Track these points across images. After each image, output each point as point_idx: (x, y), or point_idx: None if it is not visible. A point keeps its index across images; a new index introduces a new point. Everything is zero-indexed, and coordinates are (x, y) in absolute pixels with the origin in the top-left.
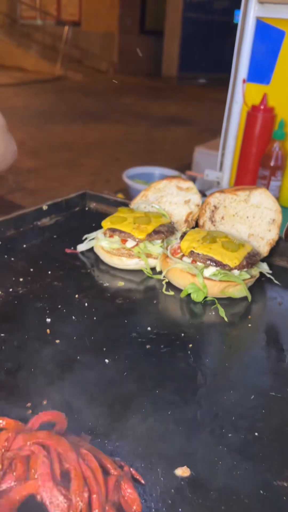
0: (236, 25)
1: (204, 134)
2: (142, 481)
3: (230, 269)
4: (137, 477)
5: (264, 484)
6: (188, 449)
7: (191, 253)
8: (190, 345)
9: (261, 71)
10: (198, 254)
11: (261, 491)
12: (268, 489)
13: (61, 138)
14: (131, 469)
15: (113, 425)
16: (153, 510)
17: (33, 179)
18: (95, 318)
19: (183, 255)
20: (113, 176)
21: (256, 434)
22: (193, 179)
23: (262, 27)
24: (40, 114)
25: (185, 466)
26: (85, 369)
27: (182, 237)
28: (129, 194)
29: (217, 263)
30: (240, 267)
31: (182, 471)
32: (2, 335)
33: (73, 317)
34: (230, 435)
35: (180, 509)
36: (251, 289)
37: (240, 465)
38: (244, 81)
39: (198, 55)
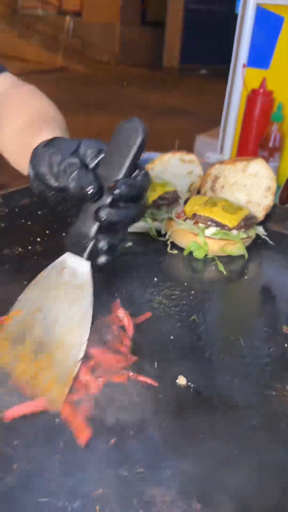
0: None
1: (205, 125)
2: (155, 383)
3: (229, 229)
4: (149, 380)
5: (256, 394)
6: (190, 368)
7: (194, 215)
8: (192, 292)
9: (260, 56)
10: (200, 216)
11: (253, 398)
12: (259, 397)
13: None
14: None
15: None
16: (163, 410)
17: None
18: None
19: (186, 218)
20: None
21: (248, 358)
22: None
23: (262, 13)
24: None
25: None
26: (98, 309)
27: (185, 202)
28: None
29: (217, 224)
30: (238, 228)
31: (181, 380)
32: (25, 282)
33: None
34: (226, 359)
35: (185, 410)
36: (248, 249)
37: (235, 381)
38: (244, 66)
39: (200, 46)
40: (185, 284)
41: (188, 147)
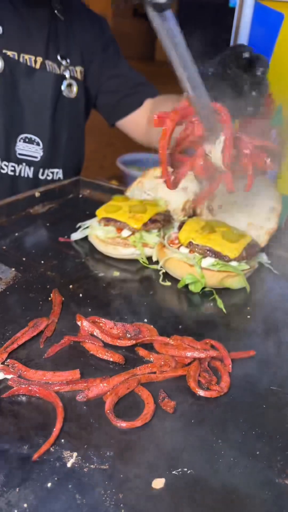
0: (233, 9)
1: None
2: None
3: (229, 260)
4: None
5: (263, 483)
6: (185, 451)
7: (190, 243)
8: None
9: None
10: (197, 245)
11: (260, 488)
12: (271, 487)
13: None
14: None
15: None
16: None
17: None
18: (90, 309)
19: (180, 245)
20: (107, 162)
21: (256, 429)
22: None
23: (261, 10)
24: None
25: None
26: (83, 358)
27: (180, 226)
28: (124, 181)
29: (216, 254)
30: (239, 258)
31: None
32: None
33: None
34: (230, 438)
35: (180, 509)
36: (250, 279)
37: (240, 462)
38: None
39: (194, 39)
40: (180, 326)
41: None
